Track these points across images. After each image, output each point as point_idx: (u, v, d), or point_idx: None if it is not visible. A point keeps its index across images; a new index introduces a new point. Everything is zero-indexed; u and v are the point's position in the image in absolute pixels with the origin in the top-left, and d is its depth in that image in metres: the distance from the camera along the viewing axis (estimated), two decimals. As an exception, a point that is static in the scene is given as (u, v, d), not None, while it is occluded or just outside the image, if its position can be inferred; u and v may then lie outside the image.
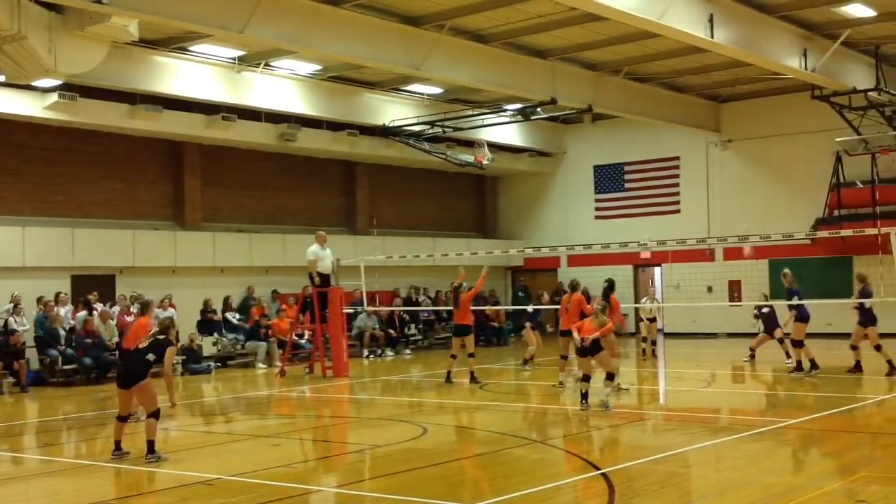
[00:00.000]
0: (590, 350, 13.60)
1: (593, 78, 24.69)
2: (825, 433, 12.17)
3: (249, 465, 10.46)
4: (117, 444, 10.94)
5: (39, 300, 20.38)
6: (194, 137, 24.20)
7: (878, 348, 17.05)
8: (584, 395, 13.66)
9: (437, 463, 10.55)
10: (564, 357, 16.76)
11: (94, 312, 20.60)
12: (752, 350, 19.95)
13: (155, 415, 10.80)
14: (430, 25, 19.98)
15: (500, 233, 33.53)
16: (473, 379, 17.48)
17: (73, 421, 15.34)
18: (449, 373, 17.66)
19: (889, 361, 16.77)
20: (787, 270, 18.24)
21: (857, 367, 17.32)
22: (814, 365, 17.48)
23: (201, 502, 8.95)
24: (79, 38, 16.92)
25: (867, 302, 17.13)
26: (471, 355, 17.72)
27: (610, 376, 14.09)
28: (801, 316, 17.60)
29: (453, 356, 17.92)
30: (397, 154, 27.74)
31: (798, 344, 17.66)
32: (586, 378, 13.80)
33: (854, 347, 17.47)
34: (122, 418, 11.06)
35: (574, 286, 16.86)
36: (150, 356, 10.89)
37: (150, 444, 10.62)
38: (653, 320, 22.90)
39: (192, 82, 21.50)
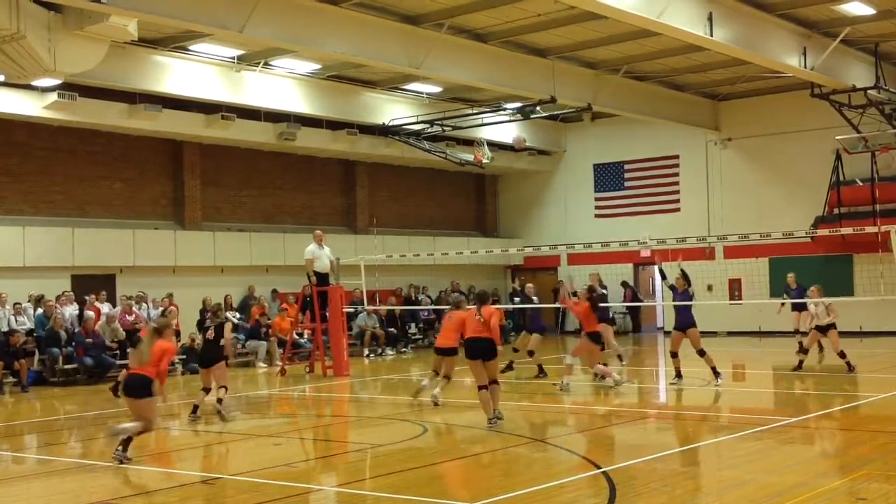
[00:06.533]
0: None
1: (593, 76, 24.70)
2: (825, 431, 12.18)
3: (250, 465, 10.46)
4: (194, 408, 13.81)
5: (40, 300, 20.37)
6: (194, 137, 24.21)
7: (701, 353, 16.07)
8: None
9: (438, 462, 10.56)
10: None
11: (93, 312, 20.60)
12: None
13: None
14: (429, 24, 19.99)
15: (500, 232, 33.52)
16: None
17: (73, 421, 15.35)
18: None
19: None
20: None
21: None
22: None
23: (202, 502, 8.95)
24: (78, 38, 16.92)
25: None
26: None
27: None
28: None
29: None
30: (397, 153, 27.74)
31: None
32: None
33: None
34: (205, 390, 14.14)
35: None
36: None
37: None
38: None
39: (191, 81, 21.50)
